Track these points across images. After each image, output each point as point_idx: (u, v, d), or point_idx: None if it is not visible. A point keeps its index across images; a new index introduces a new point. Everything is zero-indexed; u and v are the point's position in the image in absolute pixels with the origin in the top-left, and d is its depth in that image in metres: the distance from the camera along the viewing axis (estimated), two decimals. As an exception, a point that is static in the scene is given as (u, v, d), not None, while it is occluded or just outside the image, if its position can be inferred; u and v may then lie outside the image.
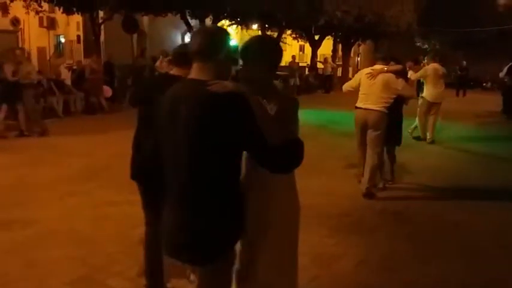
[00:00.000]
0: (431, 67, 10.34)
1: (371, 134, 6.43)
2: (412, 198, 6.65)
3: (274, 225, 2.63)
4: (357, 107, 6.60)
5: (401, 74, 6.59)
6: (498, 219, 5.88)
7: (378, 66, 6.54)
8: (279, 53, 2.70)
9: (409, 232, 5.35)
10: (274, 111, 2.49)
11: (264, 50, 2.62)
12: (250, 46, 2.63)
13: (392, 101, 6.38)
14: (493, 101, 18.31)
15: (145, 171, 3.42)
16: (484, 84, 29.98)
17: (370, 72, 6.49)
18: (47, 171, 7.48)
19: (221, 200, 2.29)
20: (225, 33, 2.39)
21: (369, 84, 6.43)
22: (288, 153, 2.31)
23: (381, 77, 6.37)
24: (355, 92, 6.72)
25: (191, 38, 2.40)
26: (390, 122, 6.46)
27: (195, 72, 2.34)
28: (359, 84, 6.59)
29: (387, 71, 6.40)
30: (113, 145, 8.58)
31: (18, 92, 10.18)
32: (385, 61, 6.60)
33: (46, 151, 8.90)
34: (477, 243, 5.11)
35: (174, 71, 3.42)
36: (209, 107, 2.19)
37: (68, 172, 7.38)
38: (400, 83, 6.38)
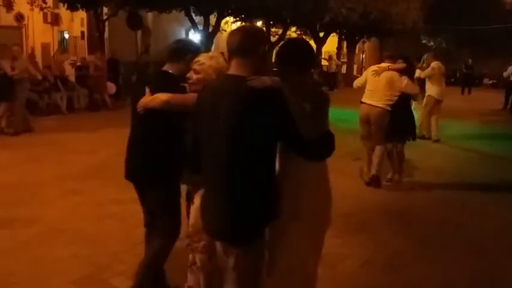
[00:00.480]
0: (437, 65, 10.31)
1: (373, 129, 6.74)
2: (417, 197, 6.62)
3: (303, 215, 2.74)
4: (361, 102, 6.83)
5: (407, 72, 6.63)
6: (502, 219, 5.85)
7: (384, 64, 6.72)
8: (311, 54, 2.87)
9: (414, 232, 5.32)
10: (308, 108, 2.60)
11: (297, 53, 2.78)
12: (284, 49, 2.83)
13: (396, 98, 6.59)
14: (497, 99, 18.22)
15: (139, 170, 3.39)
16: (488, 81, 29.82)
17: (375, 70, 6.71)
18: (50, 168, 7.47)
19: (256, 187, 2.47)
20: (261, 32, 2.64)
21: (374, 81, 6.66)
22: (321, 144, 2.53)
23: (385, 74, 6.58)
24: (361, 89, 6.96)
25: (229, 36, 2.55)
26: (397, 118, 6.60)
27: (234, 68, 2.51)
28: (366, 81, 6.83)
29: (390, 69, 6.59)
30: (116, 142, 8.49)
31: (13, 88, 10.09)
32: (393, 59, 6.76)
33: (49, 148, 8.89)
34: (481, 243, 5.08)
35: (166, 67, 3.37)
36: (249, 101, 2.38)
37: (71, 170, 7.37)
38: (403, 81, 6.55)
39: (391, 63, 6.67)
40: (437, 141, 10.43)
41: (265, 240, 2.66)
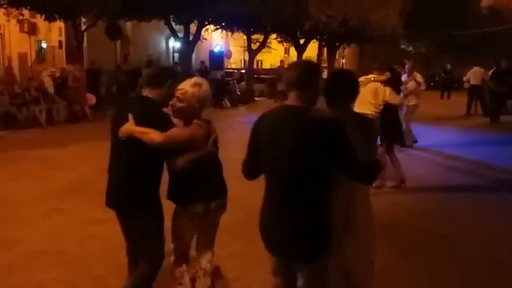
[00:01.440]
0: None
1: None
2: (400, 208, 6.60)
3: (356, 229, 3.10)
4: None
5: (392, 82, 6.89)
6: (484, 230, 5.86)
7: (370, 76, 7.12)
8: (356, 84, 3.26)
9: (398, 244, 5.30)
10: (359, 134, 2.86)
11: (343, 83, 3.18)
12: (332, 79, 3.21)
13: (381, 107, 6.98)
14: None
15: (120, 196, 3.34)
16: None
17: (362, 81, 6.99)
18: (30, 186, 7.34)
19: (319, 207, 2.68)
20: (316, 67, 2.86)
21: (361, 92, 6.85)
22: (373, 168, 2.79)
23: (370, 85, 6.99)
24: None
25: (288, 71, 2.82)
26: (383, 126, 6.84)
27: (292, 99, 2.73)
28: None
29: (374, 81, 7.00)
30: (97, 157, 8.38)
31: None
32: (381, 71, 7.15)
33: (29, 164, 8.75)
34: (464, 255, 5.09)
35: (146, 92, 3.33)
36: (311, 131, 2.61)
37: (51, 187, 7.25)
38: (386, 92, 6.95)
39: (379, 74, 7.04)
40: (416, 142, 10.62)
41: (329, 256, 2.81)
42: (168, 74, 3.38)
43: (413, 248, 5.26)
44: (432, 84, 25.84)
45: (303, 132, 2.61)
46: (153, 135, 3.08)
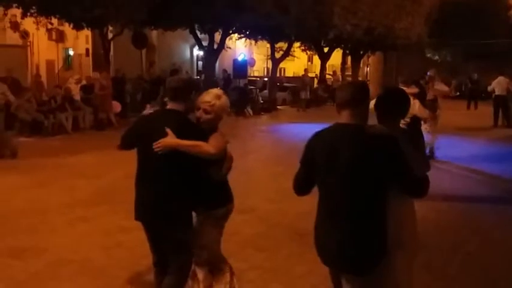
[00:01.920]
0: None
1: None
2: (426, 223, 6.44)
3: (406, 243, 3.15)
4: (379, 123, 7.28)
5: (420, 95, 6.91)
6: (510, 247, 5.73)
7: None
8: (407, 104, 3.39)
9: (423, 261, 5.16)
10: (409, 149, 2.93)
11: (395, 102, 3.32)
12: (384, 98, 3.34)
13: (408, 120, 6.82)
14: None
15: (159, 209, 3.36)
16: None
17: None
18: (56, 193, 7.44)
19: (376, 220, 2.79)
20: (366, 86, 3.00)
21: None
22: (426, 181, 2.88)
23: None
24: None
25: (339, 91, 2.97)
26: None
27: (345, 118, 2.86)
28: None
29: None
30: (122, 165, 8.45)
31: None
32: (407, 84, 7.29)
33: (55, 172, 8.87)
34: (492, 274, 4.97)
35: (171, 106, 3.41)
36: (368, 148, 2.74)
37: (77, 195, 7.34)
38: (415, 105, 6.86)
39: (405, 87, 7.03)
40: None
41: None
42: (192, 87, 3.49)
43: (439, 266, 5.13)
44: (458, 93, 25.52)
45: (360, 149, 2.74)
46: (206, 148, 3.22)
